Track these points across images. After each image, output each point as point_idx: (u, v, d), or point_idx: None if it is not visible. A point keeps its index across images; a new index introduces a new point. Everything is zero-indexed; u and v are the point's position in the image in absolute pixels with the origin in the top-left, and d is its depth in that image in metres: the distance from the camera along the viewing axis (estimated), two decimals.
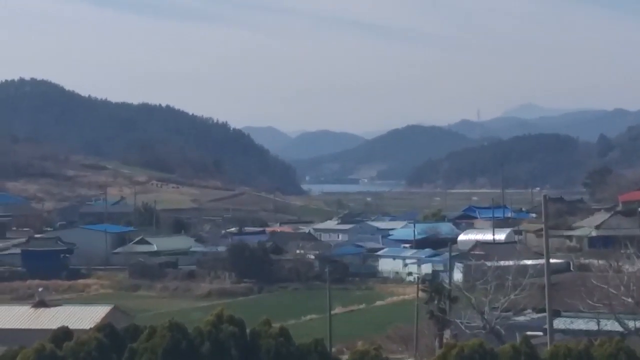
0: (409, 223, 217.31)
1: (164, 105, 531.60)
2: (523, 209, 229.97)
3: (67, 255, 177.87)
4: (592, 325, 74.59)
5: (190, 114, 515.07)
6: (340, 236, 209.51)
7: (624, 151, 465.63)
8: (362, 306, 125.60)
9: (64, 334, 35.96)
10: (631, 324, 73.26)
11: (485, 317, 77.53)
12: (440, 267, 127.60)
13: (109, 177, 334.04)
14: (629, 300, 76.87)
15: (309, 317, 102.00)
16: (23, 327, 74.94)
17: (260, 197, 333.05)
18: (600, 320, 76.41)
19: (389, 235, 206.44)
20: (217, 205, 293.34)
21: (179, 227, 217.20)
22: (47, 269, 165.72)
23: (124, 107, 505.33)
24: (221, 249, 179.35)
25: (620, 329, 70.95)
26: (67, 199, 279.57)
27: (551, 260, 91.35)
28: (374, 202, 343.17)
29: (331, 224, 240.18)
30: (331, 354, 35.16)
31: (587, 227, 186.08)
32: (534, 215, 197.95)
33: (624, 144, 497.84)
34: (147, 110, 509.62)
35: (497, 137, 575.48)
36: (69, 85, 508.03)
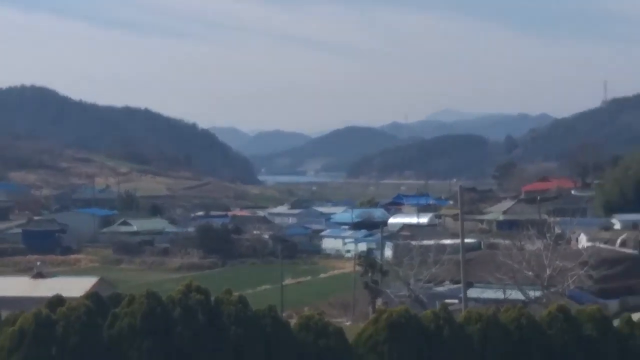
0: (348, 208, 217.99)
1: (143, 108, 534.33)
2: (442, 197, 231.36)
3: (61, 234, 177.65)
4: (499, 295, 75.33)
5: (165, 116, 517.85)
6: (290, 219, 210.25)
7: (526, 149, 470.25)
8: (308, 278, 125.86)
9: (58, 301, 35.87)
10: (531, 293, 73.81)
11: (411, 288, 78.08)
12: (373, 246, 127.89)
13: (96, 168, 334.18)
14: (530, 273, 77.36)
15: (263, 287, 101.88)
16: (23, 295, 74.64)
17: (224, 186, 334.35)
18: (506, 290, 76.95)
19: (331, 218, 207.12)
20: (187, 192, 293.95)
21: (155, 211, 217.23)
22: (44, 246, 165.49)
23: (109, 109, 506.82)
24: (190, 229, 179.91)
25: (522, 297, 71.46)
26: (61, 187, 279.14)
27: (465, 240, 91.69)
28: (319, 190, 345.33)
29: (283, 209, 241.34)
30: (282, 319, 35.12)
31: (495, 212, 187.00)
32: (451, 202, 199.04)
33: (526, 143, 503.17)
34: (128, 113, 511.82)
35: (421, 137, 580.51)
36: (62, 91, 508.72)
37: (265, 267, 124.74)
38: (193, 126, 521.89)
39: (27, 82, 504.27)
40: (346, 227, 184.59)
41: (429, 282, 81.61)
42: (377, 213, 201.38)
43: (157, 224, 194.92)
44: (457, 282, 76.65)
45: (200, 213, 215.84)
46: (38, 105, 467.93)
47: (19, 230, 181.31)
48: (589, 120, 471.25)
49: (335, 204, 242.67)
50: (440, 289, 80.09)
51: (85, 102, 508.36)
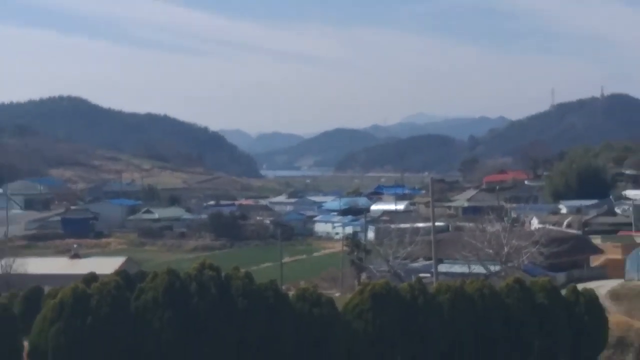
0: (336, 197, 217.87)
1: (162, 114, 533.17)
2: (416, 187, 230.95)
3: (94, 221, 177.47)
4: (464, 269, 75.39)
5: (181, 120, 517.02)
6: (287, 207, 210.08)
7: (486, 146, 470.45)
8: (303, 257, 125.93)
9: (92, 277, 36.01)
10: (492, 268, 73.93)
11: (390, 264, 78.12)
12: (358, 229, 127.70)
13: (123, 166, 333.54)
14: (490, 251, 77.58)
15: (265, 264, 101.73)
16: (62, 273, 74.50)
17: (231, 180, 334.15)
18: (470, 265, 77.07)
19: (322, 206, 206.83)
20: (200, 185, 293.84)
21: (173, 201, 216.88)
22: (79, 231, 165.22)
23: (133, 115, 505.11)
24: (203, 216, 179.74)
25: (484, 271, 71.50)
26: (93, 182, 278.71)
27: (436, 224, 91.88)
28: (312, 183, 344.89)
29: (281, 198, 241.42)
30: (282, 291, 35.17)
31: (460, 200, 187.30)
32: (423, 191, 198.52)
33: (487, 141, 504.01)
34: (150, 118, 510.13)
35: (398, 137, 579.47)
36: (94, 100, 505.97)
37: (266, 248, 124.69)
38: (205, 129, 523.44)
39: (64, 93, 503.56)
40: (335, 213, 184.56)
41: (405, 259, 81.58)
42: (361, 201, 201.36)
43: (175, 212, 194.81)
44: (429, 259, 77.00)
45: (212, 202, 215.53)
46: (73, 113, 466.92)
47: (59, 218, 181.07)
48: (539, 121, 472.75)
49: (326, 194, 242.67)
50: (415, 264, 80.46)
51: (113, 110, 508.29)
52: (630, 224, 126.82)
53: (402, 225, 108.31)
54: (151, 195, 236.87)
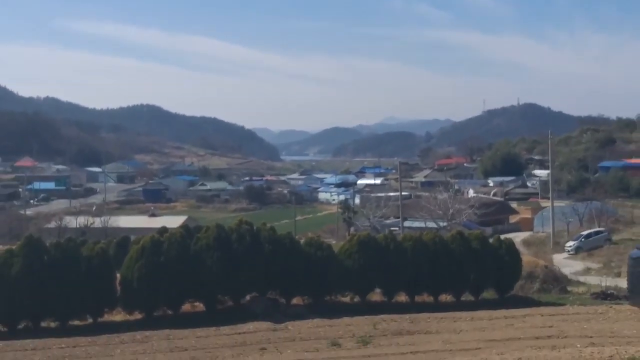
0: (333, 175, 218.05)
1: (212, 117, 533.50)
2: (388, 168, 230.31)
3: (165, 191, 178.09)
4: (422, 225, 74.81)
5: (226, 121, 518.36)
6: (299, 182, 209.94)
7: (438, 140, 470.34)
8: (310, 216, 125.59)
9: (164, 230, 36.03)
10: (441, 223, 73.69)
11: (370, 221, 78.59)
12: (348, 197, 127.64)
13: (185, 152, 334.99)
14: (440, 212, 77.77)
15: (284, 221, 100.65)
16: (143, 227, 74.59)
17: (260, 163, 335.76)
18: (426, 222, 76.87)
19: (323, 181, 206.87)
20: (239, 166, 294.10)
21: (220, 177, 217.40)
22: (155, 198, 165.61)
23: (193, 118, 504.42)
24: (241, 188, 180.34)
25: (435, 226, 71.27)
26: (165, 164, 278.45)
27: (403, 193, 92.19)
28: (316, 165, 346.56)
29: (295, 175, 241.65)
30: (295, 239, 35.35)
31: (419, 177, 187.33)
32: (393, 171, 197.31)
33: (438, 136, 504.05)
34: (204, 120, 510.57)
35: (376, 133, 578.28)
36: (165, 107, 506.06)
37: (285, 210, 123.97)
38: (242, 127, 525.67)
39: (145, 102, 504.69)
40: (332, 186, 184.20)
41: (381, 217, 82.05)
42: (351, 178, 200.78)
43: (221, 184, 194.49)
44: (397, 218, 76.87)
45: (247, 178, 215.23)
46: (151, 116, 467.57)
47: (140, 189, 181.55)
48: (475, 122, 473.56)
49: (326, 173, 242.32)
50: (387, 221, 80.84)
51: (178, 114, 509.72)
52: (537, 193, 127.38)
53: (379, 194, 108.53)
54: (205, 173, 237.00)
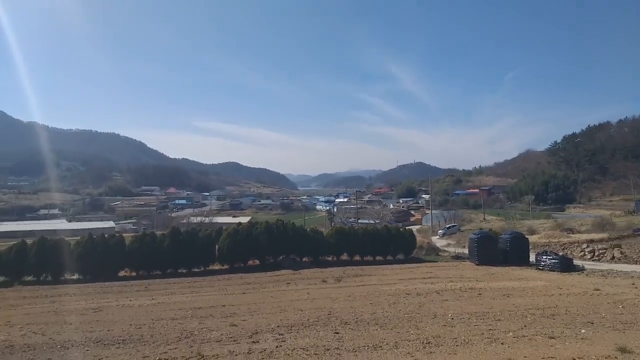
0: (324, 197, 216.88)
1: (265, 168, 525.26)
2: (351, 193, 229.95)
3: (240, 204, 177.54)
4: (367, 222, 73.96)
5: (271, 169, 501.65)
6: (307, 200, 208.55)
7: (375, 180, 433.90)
8: (312, 217, 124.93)
9: (239, 223, 35.60)
10: (376, 221, 72.99)
11: (342, 220, 77.41)
12: (331, 208, 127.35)
13: (251, 185, 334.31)
14: (375, 215, 77.32)
15: (299, 219, 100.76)
16: (229, 222, 73.71)
17: (287, 190, 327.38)
18: (369, 220, 76.08)
19: (319, 199, 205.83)
20: (277, 192, 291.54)
21: (267, 197, 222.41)
22: (235, 208, 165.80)
23: (255, 168, 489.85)
24: (278, 203, 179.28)
25: (373, 222, 70.45)
26: (240, 191, 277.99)
27: (357, 206, 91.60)
28: (315, 192, 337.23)
29: (305, 197, 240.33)
30: (305, 229, 34.92)
31: (366, 198, 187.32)
32: (353, 195, 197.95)
33: (375, 178, 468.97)
34: (261, 169, 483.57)
35: (345, 176, 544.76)
36: (241, 162, 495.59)
37: (299, 214, 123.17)
38: (278, 173, 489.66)
39: (230, 159, 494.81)
40: (323, 202, 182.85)
41: (347, 218, 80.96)
42: (332, 198, 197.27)
43: (267, 201, 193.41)
44: (355, 218, 76.22)
45: (281, 198, 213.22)
46: (234, 167, 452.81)
47: (228, 203, 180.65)
48: (393, 171, 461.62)
49: (320, 196, 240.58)
50: (350, 220, 79.08)
51: (247, 166, 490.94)
52: (423, 206, 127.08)
53: (346, 207, 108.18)
54: (259, 196, 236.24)
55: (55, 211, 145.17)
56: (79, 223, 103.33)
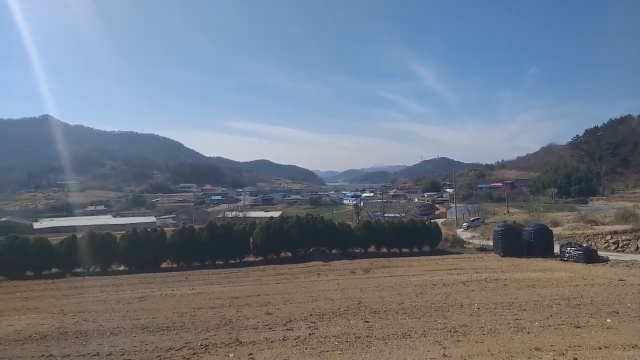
0: (350, 192, 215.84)
1: (294, 165, 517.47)
2: (376, 188, 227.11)
3: (271, 199, 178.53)
4: (393, 215, 73.28)
5: (300, 166, 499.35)
6: (334, 195, 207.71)
7: (400, 175, 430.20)
8: (341, 211, 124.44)
9: (271, 217, 35.70)
10: (402, 215, 72.47)
11: (368, 214, 76.93)
12: (357, 202, 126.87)
13: (281, 181, 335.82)
14: (401, 209, 76.68)
15: (327, 214, 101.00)
16: (262, 216, 74.29)
17: (316, 186, 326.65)
18: (395, 214, 75.42)
19: (346, 194, 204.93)
20: (306, 188, 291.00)
21: (297, 192, 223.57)
22: (267, 203, 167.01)
23: (286, 165, 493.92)
24: (307, 198, 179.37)
25: (399, 216, 69.90)
26: (271, 187, 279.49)
27: (383, 200, 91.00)
28: (342, 187, 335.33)
29: (332, 192, 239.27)
30: (334, 223, 34.81)
31: (391, 193, 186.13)
32: (379, 190, 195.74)
33: (399, 173, 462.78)
34: (290, 166, 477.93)
35: (370, 172, 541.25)
36: (272, 160, 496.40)
37: (327, 208, 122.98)
38: (307, 169, 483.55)
39: (262, 157, 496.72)
40: (350, 197, 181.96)
41: (373, 212, 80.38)
42: (359, 193, 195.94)
43: (297, 196, 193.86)
44: (381, 212, 75.68)
45: (310, 193, 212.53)
46: (265, 165, 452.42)
47: (261, 198, 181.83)
48: (417, 166, 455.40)
49: (347, 191, 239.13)
50: (377, 214, 77.86)
51: (278, 163, 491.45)
52: (448, 200, 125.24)
53: (372, 201, 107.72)
54: (290, 191, 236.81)
55: (101, 207, 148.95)
56: (123, 218, 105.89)
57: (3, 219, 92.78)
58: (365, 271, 22.76)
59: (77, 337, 11.36)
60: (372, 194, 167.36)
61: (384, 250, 33.30)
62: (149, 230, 30.14)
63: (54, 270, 27.05)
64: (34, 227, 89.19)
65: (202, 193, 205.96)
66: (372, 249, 33.47)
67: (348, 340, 9.96)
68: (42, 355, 9.80)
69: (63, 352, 9.96)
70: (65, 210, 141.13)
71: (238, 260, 30.11)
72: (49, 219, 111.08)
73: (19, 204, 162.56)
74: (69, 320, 13.53)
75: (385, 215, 72.93)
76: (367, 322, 11.57)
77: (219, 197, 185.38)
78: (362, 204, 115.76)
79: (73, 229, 62.10)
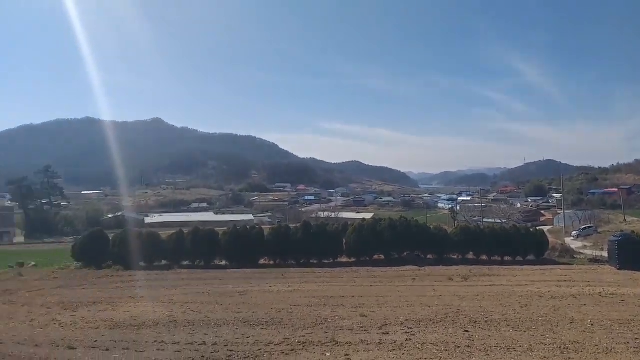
0: (445, 195, 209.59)
1: (386, 166, 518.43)
2: (474, 192, 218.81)
3: (363, 201, 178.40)
4: (493, 221, 69.79)
5: (391, 168, 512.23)
6: (428, 198, 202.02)
7: (500, 178, 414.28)
8: (434, 215, 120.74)
9: (363, 219, 35.82)
10: (504, 220, 68.75)
11: (466, 218, 73.82)
12: (453, 206, 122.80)
13: (372, 183, 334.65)
14: (502, 215, 72.72)
15: (421, 217, 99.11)
16: (353, 217, 74.60)
17: (408, 188, 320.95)
18: (496, 219, 71.80)
19: (441, 197, 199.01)
20: (398, 189, 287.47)
21: (388, 195, 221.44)
22: (359, 204, 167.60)
23: (377, 166, 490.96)
24: (399, 200, 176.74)
25: (499, 222, 66.33)
26: (363, 189, 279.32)
27: (482, 205, 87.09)
28: (436, 190, 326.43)
29: (426, 195, 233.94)
30: (429, 226, 33.94)
31: (490, 197, 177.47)
32: (477, 193, 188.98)
33: (500, 176, 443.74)
34: (382, 167, 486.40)
35: (467, 174, 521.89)
36: (363, 161, 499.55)
37: (420, 211, 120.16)
38: (399, 171, 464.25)
39: (353, 159, 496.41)
40: (445, 200, 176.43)
41: (471, 217, 77.20)
42: (454, 197, 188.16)
43: (389, 198, 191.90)
44: (479, 217, 72.65)
45: (402, 195, 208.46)
46: (356, 166, 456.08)
47: (352, 199, 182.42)
48: (519, 169, 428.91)
49: (441, 194, 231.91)
50: (474, 219, 74.42)
51: (369, 164, 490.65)
52: (554, 206, 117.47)
53: (469, 205, 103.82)
54: (381, 193, 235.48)
55: (204, 205, 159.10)
56: (223, 215, 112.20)
57: (119, 214, 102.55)
58: (463, 278, 21.97)
59: (185, 326, 12.25)
60: (469, 198, 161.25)
61: (484, 257, 31.87)
62: (248, 227, 31.62)
63: (163, 262, 29.31)
64: (145, 221, 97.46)
65: (295, 193, 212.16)
66: (470, 255, 32.21)
67: (447, 349, 9.70)
68: (155, 341, 10.66)
69: (173, 340, 10.78)
70: (172, 206, 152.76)
71: (331, 260, 30.53)
72: (158, 214, 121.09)
73: (132, 200, 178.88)
74: (178, 310, 14.62)
75: (485, 220, 69.90)
76: (466, 331, 11.19)
77: (312, 197, 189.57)
78: (458, 207, 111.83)
79: (179, 224, 66.83)
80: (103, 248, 29.50)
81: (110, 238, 30.39)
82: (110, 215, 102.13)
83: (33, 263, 30.51)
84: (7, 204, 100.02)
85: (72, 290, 19.87)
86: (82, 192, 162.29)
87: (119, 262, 28.62)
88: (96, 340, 10.83)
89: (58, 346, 10.42)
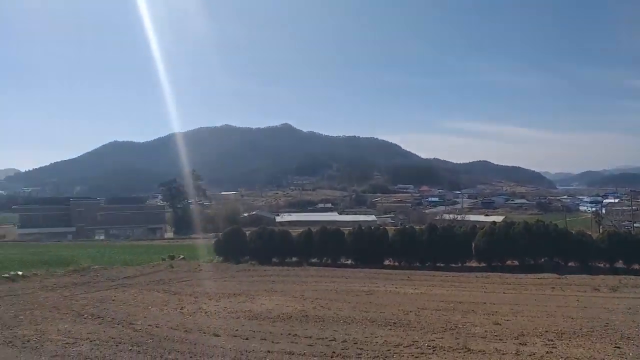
0: (587, 197, 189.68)
1: (518, 166, 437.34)
2: (623, 194, 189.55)
3: (492, 203, 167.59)
4: None
5: (524, 167, 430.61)
6: (568, 200, 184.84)
7: None
8: (574, 218, 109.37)
9: (494, 222, 33.49)
10: None
11: (612, 222, 66.33)
12: (598, 209, 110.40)
13: (503, 184, 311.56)
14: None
15: (560, 221, 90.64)
16: (482, 220, 70.71)
17: (544, 190, 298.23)
18: None
19: (582, 200, 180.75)
20: (531, 191, 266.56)
21: (520, 197, 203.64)
22: (487, 207, 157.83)
23: (507, 166, 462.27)
24: (533, 202, 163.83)
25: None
26: (492, 190, 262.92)
27: (633, 208, 77.07)
28: (577, 191, 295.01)
29: (565, 197, 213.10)
30: (567, 230, 30.78)
31: None
32: (626, 195, 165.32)
33: None
34: (513, 167, 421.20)
35: (613, 174, 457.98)
36: (493, 161, 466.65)
37: (559, 215, 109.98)
38: (534, 171, 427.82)
39: (481, 158, 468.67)
40: (587, 203, 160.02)
41: (618, 221, 69.07)
42: (599, 199, 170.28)
43: (521, 201, 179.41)
44: (629, 221, 64.47)
45: (537, 197, 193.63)
46: (483, 166, 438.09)
47: (480, 202, 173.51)
48: None
49: (582, 196, 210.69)
50: (623, 223, 66.43)
51: (497, 164, 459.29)
52: None
53: (617, 208, 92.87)
54: (513, 195, 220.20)
55: (329, 205, 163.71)
56: (347, 216, 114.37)
57: (253, 212, 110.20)
58: (612, 289, 19.68)
59: (316, 321, 12.71)
60: (616, 200, 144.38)
61: (636, 266, 28.22)
62: (372, 228, 31.74)
63: (293, 258, 30.70)
64: (276, 220, 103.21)
65: (418, 194, 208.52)
66: (619, 264, 28.72)
67: None
68: (289, 334, 11.24)
69: (305, 334, 11.26)
70: (300, 206, 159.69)
71: (459, 265, 29.35)
72: (287, 213, 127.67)
73: (265, 200, 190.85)
74: (309, 305, 15.21)
75: (635, 225, 61.95)
76: (617, 347, 10.10)
77: (436, 199, 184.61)
78: (603, 211, 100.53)
79: (306, 223, 69.59)
80: (241, 244, 31.80)
81: (247, 235, 32.65)
82: (245, 214, 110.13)
83: (182, 256, 33.85)
84: (159, 204, 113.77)
85: (215, 282, 21.72)
86: (222, 193, 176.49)
87: (254, 257, 30.62)
88: (237, 330, 11.74)
89: (205, 333, 11.49)
